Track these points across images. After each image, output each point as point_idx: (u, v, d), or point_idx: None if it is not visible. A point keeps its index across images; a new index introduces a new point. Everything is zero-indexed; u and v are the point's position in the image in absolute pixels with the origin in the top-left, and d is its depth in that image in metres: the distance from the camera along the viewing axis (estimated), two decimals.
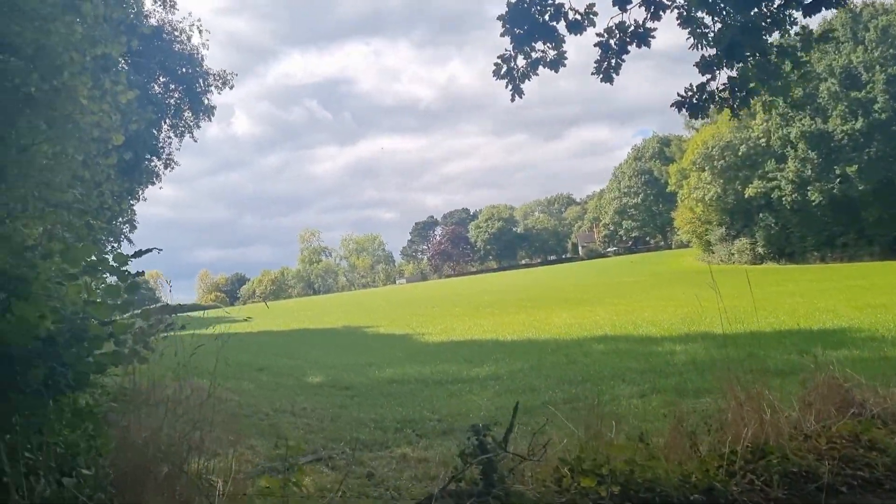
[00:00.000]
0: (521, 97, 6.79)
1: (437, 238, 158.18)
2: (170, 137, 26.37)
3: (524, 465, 4.56)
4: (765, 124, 60.88)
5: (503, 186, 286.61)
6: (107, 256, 4.89)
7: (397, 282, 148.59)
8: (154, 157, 25.15)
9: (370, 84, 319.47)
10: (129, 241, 24.03)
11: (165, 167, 26.07)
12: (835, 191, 55.69)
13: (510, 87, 6.75)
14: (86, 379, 4.37)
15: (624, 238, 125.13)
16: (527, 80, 6.72)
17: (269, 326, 37.50)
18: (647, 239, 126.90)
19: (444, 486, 4.24)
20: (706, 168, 65.91)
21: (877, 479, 4.58)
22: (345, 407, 11.84)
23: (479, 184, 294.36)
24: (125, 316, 4.48)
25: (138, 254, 4.87)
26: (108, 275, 4.76)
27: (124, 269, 4.72)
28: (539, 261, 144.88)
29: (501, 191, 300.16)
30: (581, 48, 7.18)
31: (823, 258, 58.58)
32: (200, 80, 26.16)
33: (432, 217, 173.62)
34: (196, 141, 27.30)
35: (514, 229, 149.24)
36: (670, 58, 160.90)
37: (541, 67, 6.68)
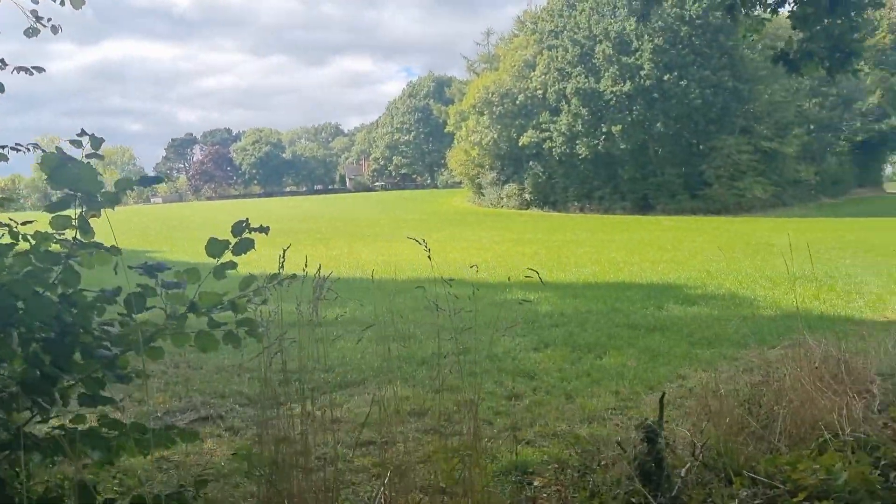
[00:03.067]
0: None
1: (199, 157, 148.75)
2: None
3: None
4: (543, 77, 63.60)
5: (263, 108, 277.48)
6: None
7: (152, 200, 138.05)
8: None
9: None
10: None
11: None
12: (599, 147, 59.91)
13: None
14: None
15: (393, 174, 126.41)
16: None
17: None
18: (415, 177, 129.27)
19: None
20: (485, 112, 67.76)
21: None
22: (195, 350, 10.39)
23: (237, 103, 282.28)
24: None
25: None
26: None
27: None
28: (305, 189, 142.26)
29: (262, 113, 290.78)
30: None
31: (582, 208, 63.13)
32: None
33: (191, 134, 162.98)
34: None
35: (281, 155, 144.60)
36: None
37: None
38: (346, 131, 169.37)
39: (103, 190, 3.16)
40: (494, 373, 9.11)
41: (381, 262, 23.24)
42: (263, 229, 3.17)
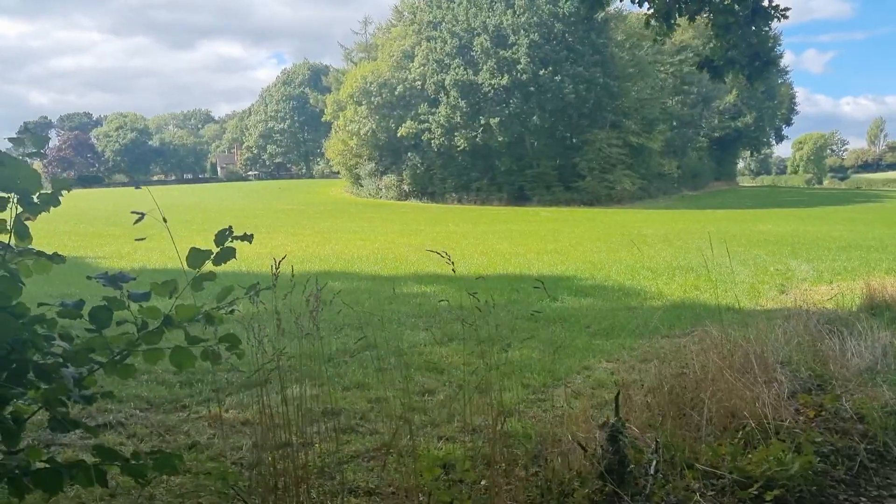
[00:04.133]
0: None
1: (57, 143, 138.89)
2: None
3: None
4: (422, 68, 63.72)
5: (125, 92, 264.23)
6: None
7: None
8: None
9: None
10: None
11: None
12: (477, 139, 60.79)
13: None
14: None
15: (267, 163, 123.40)
16: None
17: None
18: (290, 166, 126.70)
19: None
20: (363, 102, 67.16)
21: None
22: None
23: (97, 86, 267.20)
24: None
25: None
26: None
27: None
28: (174, 178, 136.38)
29: (124, 97, 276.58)
30: None
31: (460, 199, 63.90)
32: None
33: (45, 117, 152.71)
34: None
35: (148, 142, 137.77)
36: None
37: None
38: (216, 118, 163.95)
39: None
40: (402, 368, 9.06)
41: (264, 254, 22.54)
42: (248, 237, 2.98)
